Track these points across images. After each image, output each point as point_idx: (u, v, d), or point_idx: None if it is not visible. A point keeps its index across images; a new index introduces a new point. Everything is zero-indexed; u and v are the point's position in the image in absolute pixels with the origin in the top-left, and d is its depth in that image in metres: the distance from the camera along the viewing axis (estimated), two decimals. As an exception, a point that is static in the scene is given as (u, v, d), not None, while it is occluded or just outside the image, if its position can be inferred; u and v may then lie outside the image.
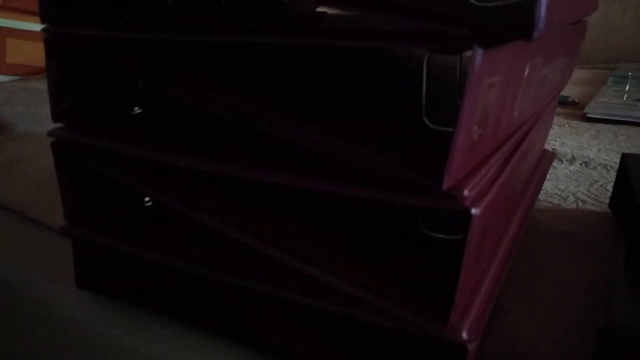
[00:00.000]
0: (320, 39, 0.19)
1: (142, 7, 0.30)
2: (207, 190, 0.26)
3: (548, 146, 0.58)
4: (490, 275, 0.25)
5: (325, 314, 0.23)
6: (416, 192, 0.19)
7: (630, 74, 0.88)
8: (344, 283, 0.22)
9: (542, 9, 0.15)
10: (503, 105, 0.21)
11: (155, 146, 0.26)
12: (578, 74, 1.06)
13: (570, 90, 0.89)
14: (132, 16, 0.30)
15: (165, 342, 0.28)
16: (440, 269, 0.22)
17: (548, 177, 0.49)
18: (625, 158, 0.38)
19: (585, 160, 0.54)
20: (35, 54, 1.05)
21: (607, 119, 0.70)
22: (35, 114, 0.77)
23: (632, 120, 0.69)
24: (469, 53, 0.16)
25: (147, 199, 0.32)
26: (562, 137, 0.63)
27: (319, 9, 0.35)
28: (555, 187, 0.47)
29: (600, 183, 0.48)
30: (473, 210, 0.18)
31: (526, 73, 0.22)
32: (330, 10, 0.27)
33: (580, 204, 0.43)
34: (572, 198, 0.44)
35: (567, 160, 0.54)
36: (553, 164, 0.53)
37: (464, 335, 0.20)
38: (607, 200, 0.43)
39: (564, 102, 0.79)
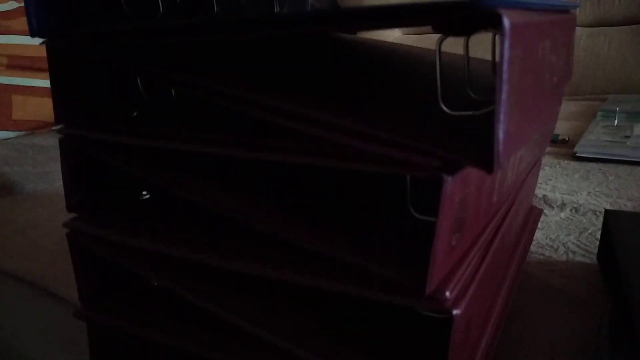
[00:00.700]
0: (310, 158, 0.21)
1: (149, 105, 0.32)
2: (215, 281, 0.28)
3: (540, 191, 0.60)
4: (481, 350, 0.27)
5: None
6: (399, 291, 0.21)
7: (618, 108, 0.90)
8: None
9: (500, 147, 0.17)
10: (480, 202, 0.23)
11: (158, 238, 0.28)
12: (568, 106, 1.08)
13: (560, 126, 0.92)
14: (139, 112, 0.33)
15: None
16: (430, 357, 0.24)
17: (539, 225, 0.51)
18: (608, 215, 0.40)
19: (575, 206, 0.56)
20: (40, 109, 1.09)
21: (597, 158, 0.72)
22: (43, 173, 0.79)
23: (622, 158, 0.71)
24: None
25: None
26: (554, 179, 0.65)
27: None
28: (547, 237, 0.49)
29: (589, 231, 0.50)
30: (455, 312, 0.20)
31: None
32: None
33: (570, 255, 0.45)
34: (562, 249, 0.46)
35: (557, 206, 0.56)
36: (544, 210, 0.55)
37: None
38: (596, 250, 0.45)
39: (554, 141, 0.81)
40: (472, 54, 0.27)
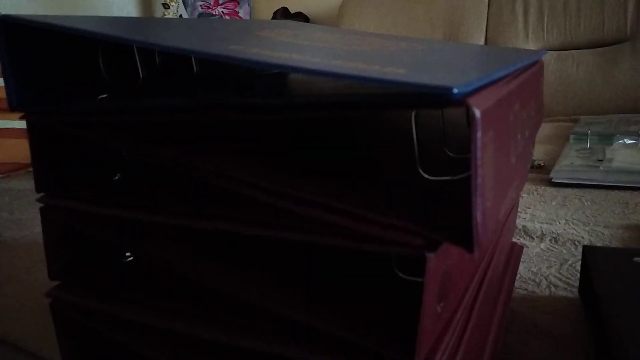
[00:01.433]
0: (297, 234, 0.22)
1: (129, 164, 0.32)
2: (202, 352, 0.28)
3: (519, 221, 0.62)
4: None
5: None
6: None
7: (589, 131, 0.93)
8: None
9: (479, 230, 0.17)
10: (461, 269, 0.23)
11: (145, 307, 0.28)
12: (540, 129, 1.11)
13: (535, 150, 0.94)
14: (122, 175, 0.33)
15: None
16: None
17: (522, 258, 0.52)
18: (586, 251, 0.41)
19: (554, 236, 0.57)
20: (16, 151, 1.07)
21: (573, 184, 0.74)
22: (20, 220, 0.78)
23: (596, 183, 0.73)
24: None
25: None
26: (532, 207, 0.67)
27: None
28: (529, 270, 0.49)
29: (569, 262, 0.51)
30: (444, 381, 0.20)
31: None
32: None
33: (552, 289, 0.46)
34: (544, 282, 0.47)
35: (537, 237, 0.57)
36: (525, 241, 0.56)
37: None
38: (576, 283, 0.46)
39: (530, 167, 0.83)
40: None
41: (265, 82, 0.33)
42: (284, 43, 0.26)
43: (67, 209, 0.30)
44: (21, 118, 0.28)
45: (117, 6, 1.86)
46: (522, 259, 0.52)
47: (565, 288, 0.46)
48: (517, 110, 0.25)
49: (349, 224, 0.20)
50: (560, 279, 0.47)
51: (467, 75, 0.20)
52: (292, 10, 1.79)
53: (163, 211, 0.26)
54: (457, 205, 0.21)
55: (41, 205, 0.31)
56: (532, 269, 0.50)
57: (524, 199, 0.70)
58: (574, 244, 0.55)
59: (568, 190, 0.73)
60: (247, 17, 1.88)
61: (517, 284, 0.47)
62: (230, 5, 1.85)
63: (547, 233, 0.58)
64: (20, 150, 1.08)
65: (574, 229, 0.59)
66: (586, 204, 0.67)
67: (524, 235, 0.58)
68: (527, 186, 0.76)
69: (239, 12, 1.86)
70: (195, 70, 0.35)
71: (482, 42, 1.35)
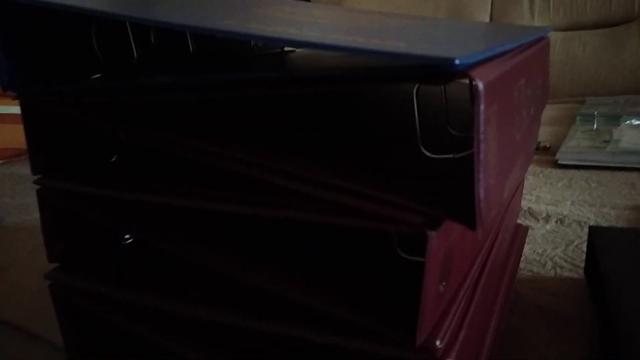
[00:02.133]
0: (296, 213, 0.21)
1: (126, 149, 0.32)
2: (200, 333, 0.28)
3: (524, 203, 0.61)
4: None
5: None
6: (389, 344, 0.20)
7: (596, 112, 0.92)
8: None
9: (482, 205, 0.17)
10: (464, 244, 0.23)
11: (143, 289, 0.27)
12: (546, 110, 1.09)
13: (541, 131, 0.93)
14: (119, 157, 0.32)
15: None
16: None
17: (526, 239, 0.52)
18: (592, 232, 0.40)
19: (560, 217, 0.56)
20: (16, 137, 1.06)
21: (579, 165, 0.73)
22: (22, 205, 0.78)
23: (602, 164, 0.72)
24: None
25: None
26: (537, 189, 0.66)
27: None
28: (534, 252, 0.49)
29: (575, 243, 0.50)
30: (446, 362, 0.20)
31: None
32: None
33: (558, 270, 0.45)
34: (550, 264, 0.47)
35: (542, 218, 0.57)
36: (530, 223, 0.56)
37: None
38: (582, 264, 0.45)
39: (535, 148, 0.82)
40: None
41: (264, 61, 0.32)
42: (281, 19, 0.25)
43: (64, 190, 0.29)
44: (14, 99, 0.28)
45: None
46: (527, 241, 0.51)
47: (571, 269, 0.45)
48: (521, 86, 0.25)
49: (349, 202, 0.19)
50: (565, 260, 0.47)
51: (470, 48, 0.19)
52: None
53: (160, 192, 0.25)
54: (459, 183, 0.20)
55: (38, 187, 0.30)
56: (537, 251, 0.49)
57: (530, 180, 0.70)
58: (580, 225, 0.54)
59: (574, 172, 0.72)
60: None
61: (521, 265, 0.46)
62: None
63: (552, 214, 0.57)
64: (21, 136, 1.07)
65: (580, 210, 0.58)
66: (592, 185, 0.66)
67: (529, 217, 0.57)
68: (533, 168, 0.75)
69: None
70: (191, 49, 0.34)
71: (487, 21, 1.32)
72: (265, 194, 0.22)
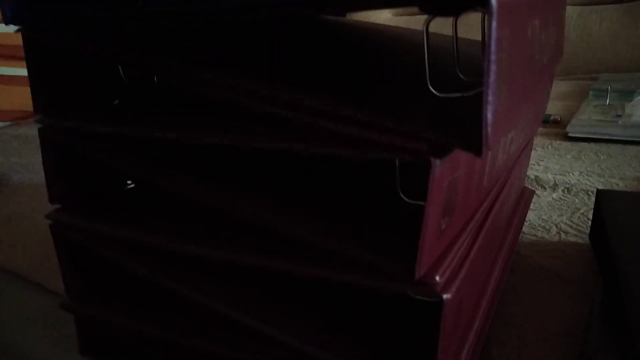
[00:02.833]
0: (298, 144, 0.21)
1: (131, 92, 0.31)
2: (195, 269, 0.28)
3: (532, 172, 0.60)
4: (473, 331, 0.27)
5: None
6: (389, 278, 0.20)
7: (609, 87, 0.90)
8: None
9: (489, 129, 0.16)
10: (470, 185, 0.22)
11: (145, 229, 0.27)
12: (559, 86, 1.08)
13: (552, 106, 0.91)
14: (121, 101, 0.32)
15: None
16: (422, 340, 0.24)
17: (532, 206, 0.51)
18: (600, 194, 0.40)
19: (567, 186, 0.55)
20: (24, 99, 1.06)
21: (589, 138, 0.72)
22: (29, 164, 0.78)
23: (613, 137, 0.71)
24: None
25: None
26: (545, 159, 0.65)
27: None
28: (539, 218, 0.48)
29: (582, 211, 0.49)
30: (445, 296, 0.20)
31: (490, 153, 0.24)
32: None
33: (562, 235, 0.45)
34: (554, 229, 0.46)
35: (549, 187, 0.56)
36: (537, 191, 0.55)
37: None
38: (588, 230, 0.45)
39: (545, 121, 0.81)
40: (462, 35, 0.26)
41: None
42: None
43: (66, 129, 0.29)
44: (17, 32, 0.27)
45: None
46: (532, 208, 0.51)
47: (576, 234, 0.45)
48: (536, 27, 0.24)
49: (351, 131, 0.19)
50: (570, 226, 0.46)
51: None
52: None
53: (163, 127, 0.25)
54: (465, 116, 0.19)
55: (39, 126, 0.30)
56: (543, 217, 0.49)
57: (538, 152, 0.69)
58: (587, 194, 0.53)
59: (584, 144, 0.71)
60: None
61: (526, 230, 0.46)
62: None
63: (560, 183, 0.56)
64: (27, 98, 1.07)
65: (588, 179, 0.57)
66: (602, 157, 0.65)
67: (536, 186, 0.57)
68: (542, 140, 0.74)
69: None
70: None
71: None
72: (267, 126, 0.22)
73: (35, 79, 0.29)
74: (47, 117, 0.29)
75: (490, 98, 0.16)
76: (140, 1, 0.31)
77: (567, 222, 0.47)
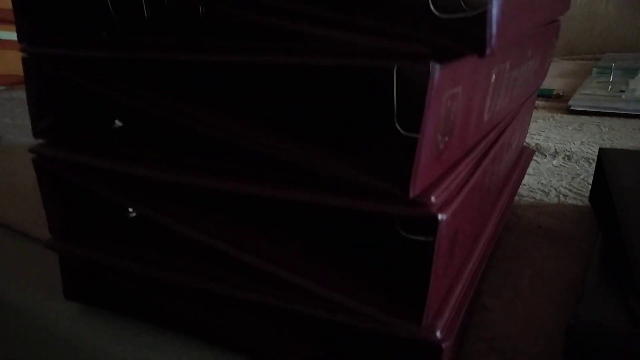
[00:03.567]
0: (289, 57, 0.20)
1: (119, 25, 0.30)
2: (187, 202, 0.27)
3: (532, 140, 0.59)
4: (467, 274, 0.26)
5: (303, 318, 0.24)
6: (383, 199, 0.19)
7: (614, 64, 0.89)
8: (320, 287, 0.22)
9: (493, 27, 0.15)
10: (470, 112, 0.21)
11: (135, 160, 0.26)
12: (563, 65, 1.06)
13: (555, 83, 0.90)
14: (109, 34, 0.30)
15: (154, 350, 0.28)
16: (415, 271, 0.23)
17: (531, 172, 0.50)
18: (602, 152, 0.39)
19: (568, 154, 0.54)
20: (19, 64, 1.04)
21: (592, 111, 0.71)
22: (22, 126, 0.77)
23: (616, 111, 0.70)
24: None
25: (130, 210, 0.32)
26: (547, 130, 0.64)
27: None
28: (538, 182, 0.47)
29: (582, 176, 0.49)
30: (440, 216, 0.19)
31: (493, 79, 0.23)
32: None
33: (562, 198, 0.44)
34: (554, 192, 0.45)
35: (550, 154, 0.55)
36: (536, 158, 0.54)
37: (438, 334, 0.21)
38: (587, 194, 0.44)
39: (548, 96, 0.80)
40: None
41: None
42: None
43: (51, 56, 0.28)
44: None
45: None
46: (532, 173, 0.50)
47: (575, 198, 0.44)
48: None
49: (347, 37, 0.18)
50: (570, 190, 0.45)
51: None
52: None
53: (157, 48, 0.24)
54: (469, 20, 0.18)
55: (23, 55, 0.29)
56: (542, 181, 0.48)
57: (539, 123, 0.67)
58: (588, 161, 0.52)
59: (586, 118, 0.69)
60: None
61: (524, 193, 0.45)
62: None
63: (560, 151, 0.55)
64: (24, 63, 1.05)
65: (589, 148, 0.56)
66: (604, 129, 0.64)
67: (537, 153, 0.56)
68: (544, 113, 0.72)
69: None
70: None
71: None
72: (258, 38, 0.20)
73: (19, 5, 0.28)
74: (31, 45, 0.28)
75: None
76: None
77: (567, 186, 0.46)
